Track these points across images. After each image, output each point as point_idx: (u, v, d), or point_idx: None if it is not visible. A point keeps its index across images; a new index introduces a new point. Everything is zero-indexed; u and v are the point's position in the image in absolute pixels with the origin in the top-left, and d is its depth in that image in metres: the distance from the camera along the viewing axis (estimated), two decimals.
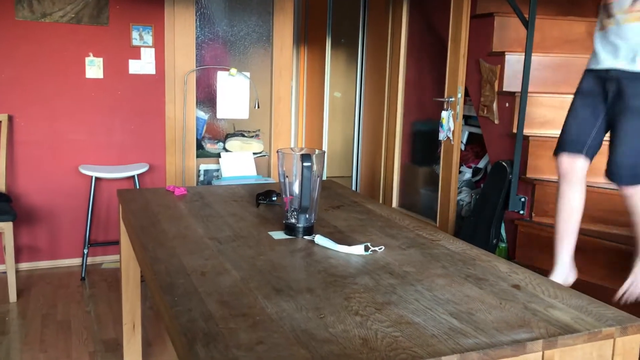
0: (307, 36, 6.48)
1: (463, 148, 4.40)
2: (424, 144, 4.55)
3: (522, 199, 3.43)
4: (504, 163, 3.45)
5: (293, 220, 1.87)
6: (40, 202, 3.74)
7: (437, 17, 4.06)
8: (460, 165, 4.22)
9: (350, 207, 2.30)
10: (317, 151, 1.91)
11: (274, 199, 2.27)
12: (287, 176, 1.87)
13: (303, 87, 6.61)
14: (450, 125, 3.82)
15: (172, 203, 2.27)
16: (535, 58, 3.53)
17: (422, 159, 4.56)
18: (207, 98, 4.11)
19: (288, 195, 1.89)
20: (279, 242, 1.81)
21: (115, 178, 3.76)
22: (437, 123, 3.95)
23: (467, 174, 4.18)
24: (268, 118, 4.23)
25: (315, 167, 1.86)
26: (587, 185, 3.23)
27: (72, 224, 3.81)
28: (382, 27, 4.59)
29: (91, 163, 3.79)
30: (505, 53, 3.59)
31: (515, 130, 3.43)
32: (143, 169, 3.75)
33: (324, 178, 6.35)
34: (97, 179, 3.68)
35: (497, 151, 3.69)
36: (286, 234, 1.89)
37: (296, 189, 1.87)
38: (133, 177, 3.72)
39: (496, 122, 3.65)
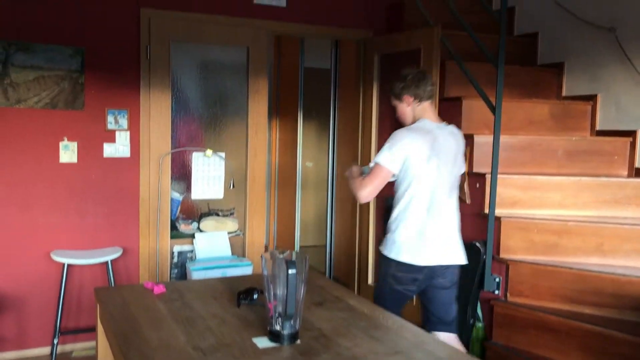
0: (279, 108, 6.60)
1: None
2: None
3: (497, 279, 3.47)
4: (477, 244, 3.51)
5: (278, 327, 1.86)
6: (7, 288, 3.63)
7: None
8: None
9: (332, 303, 2.29)
10: (299, 252, 1.92)
11: (255, 297, 2.26)
12: (271, 282, 1.87)
13: (275, 157, 6.67)
14: None
15: (151, 303, 2.24)
16: (502, 139, 3.65)
17: None
18: (181, 178, 4.11)
19: (272, 300, 1.88)
20: (264, 351, 1.79)
21: (87, 264, 3.69)
22: None
23: None
24: (243, 196, 4.24)
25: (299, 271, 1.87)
26: (560, 266, 3.32)
27: (41, 312, 3.70)
28: (353, 102, 4.68)
29: (63, 247, 3.72)
30: (474, 135, 3.71)
31: (486, 211, 3.51)
32: (116, 253, 3.69)
33: (297, 248, 6.36)
34: (69, 264, 3.60)
35: (469, 230, 3.76)
36: (271, 340, 1.87)
37: (279, 291, 1.87)
38: (107, 262, 3.65)
39: (468, 202, 3.73)
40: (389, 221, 2.80)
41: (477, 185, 3.66)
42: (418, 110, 2.80)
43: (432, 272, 2.74)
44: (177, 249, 4.05)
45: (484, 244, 3.51)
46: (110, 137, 3.82)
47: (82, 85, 3.71)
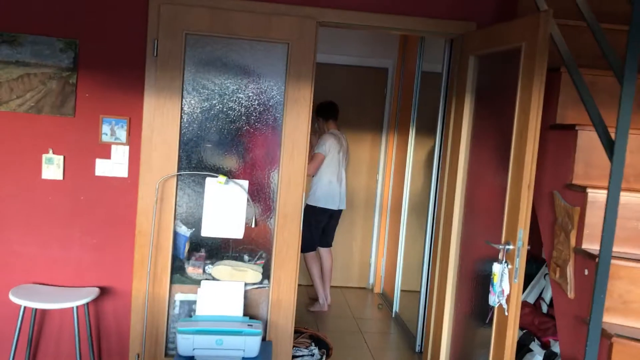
0: (398, 121, 5.43)
1: (545, 310, 3.02)
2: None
3: None
4: None
5: None
6: None
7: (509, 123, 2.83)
8: (533, 338, 2.86)
9: None
10: None
11: None
12: None
13: (389, 179, 5.51)
14: (505, 286, 2.52)
15: None
16: (628, 199, 2.19)
17: (484, 316, 3.23)
18: (193, 208, 3.24)
19: None
20: None
21: (51, 309, 2.99)
22: None
23: (538, 356, 2.79)
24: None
25: None
26: None
27: None
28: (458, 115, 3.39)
29: (42, 281, 3.09)
30: (588, 189, 2.27)
31: None
32: (87, 297, 2.94)
33: (397, 295, 5.10)
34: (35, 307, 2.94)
35: (570, 342, 2.33)
36: None
37: None
38: (84, 305, 2.93)
39: (570, 295, 2.31)
40: (311, 183, 4.63)
41: (586, 271, 2.23)
42: (327, 125, 4.75)
43: (333, 213, 4.71)
44: (180, 297, 3.21)
45: None
46: (105, 151, 3.09)
47: (74, 86, 3.04)
